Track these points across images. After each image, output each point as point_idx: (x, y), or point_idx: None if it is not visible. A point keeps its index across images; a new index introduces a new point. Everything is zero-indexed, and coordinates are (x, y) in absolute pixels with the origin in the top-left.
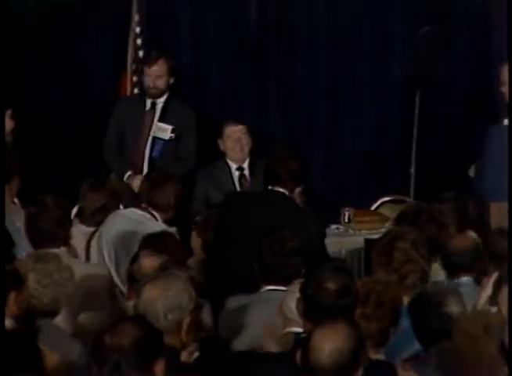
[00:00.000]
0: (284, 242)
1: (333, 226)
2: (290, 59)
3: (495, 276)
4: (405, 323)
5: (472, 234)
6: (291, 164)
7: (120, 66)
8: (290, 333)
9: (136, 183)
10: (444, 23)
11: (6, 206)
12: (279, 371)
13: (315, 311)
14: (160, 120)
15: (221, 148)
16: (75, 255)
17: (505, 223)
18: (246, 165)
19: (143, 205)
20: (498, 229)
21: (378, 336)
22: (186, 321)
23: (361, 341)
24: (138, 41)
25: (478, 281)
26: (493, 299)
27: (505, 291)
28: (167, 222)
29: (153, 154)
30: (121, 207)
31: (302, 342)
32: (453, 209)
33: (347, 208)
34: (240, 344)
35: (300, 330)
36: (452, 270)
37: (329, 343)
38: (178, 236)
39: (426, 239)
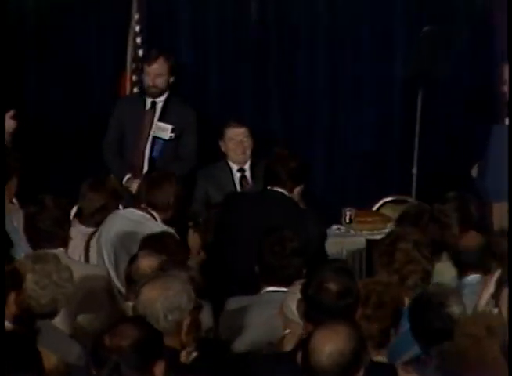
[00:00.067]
0: (285, 242)
1: (335, 227)
2: (291, 59)
3: (497, 274)
4: (406, 324)
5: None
6: (291, 163)
7: (121, 66)
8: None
9: (135, 187)
10: (445, 23)
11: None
12: (280, 372)
13: (316, 312)
14: (160, 119)
15: (223, 150)
16: (74, 256)
17: (506, 223)
18: (247, 167)
19: (142, 205)
20: (500, 230)
21: (379, 337)
22: (186, 322)
23: (362, 342)
24: (138, 40)
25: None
26: (495, 297)
27: (505, 292)
28: (166, 222)
29: (153, 154)
30: (121, 207)
31: (303, 343)
32: (456, 209)
33: (348, 209)
34: (241, 345)
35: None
36: (462, 268)
37: (330, 344)
38: (178, 237)
39: (429, 239)
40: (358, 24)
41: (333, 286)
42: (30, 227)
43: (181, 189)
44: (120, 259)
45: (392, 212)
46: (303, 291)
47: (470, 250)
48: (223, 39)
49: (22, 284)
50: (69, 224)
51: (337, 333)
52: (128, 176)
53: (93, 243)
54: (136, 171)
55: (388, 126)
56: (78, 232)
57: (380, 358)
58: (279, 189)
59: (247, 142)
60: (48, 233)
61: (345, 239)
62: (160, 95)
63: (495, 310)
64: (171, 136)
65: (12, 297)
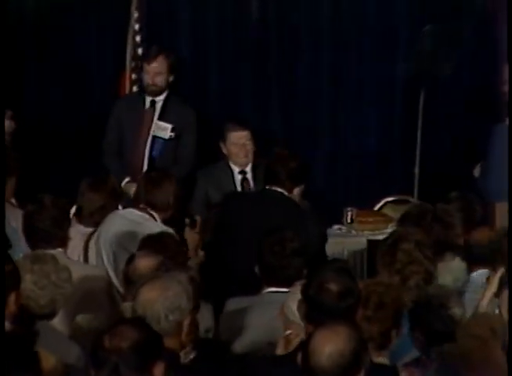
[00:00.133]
0: (285, 242)
1: (336, 227)
2: (291, 59)
3: (500, 272)
4: (407, 325)
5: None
6: (291, 163)
7: (121, 66)
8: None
9: (133, 191)
10: (447, 23)
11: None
12: (280, 373)
13: (316, 312)
14: (160, 118)
15: (224, 152)
16: (73, 256)
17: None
18: (248, 169)
19: (141, 205)
20: (503, 229)
21: (380, 338)
22: (186, 322)
23: (362, 343)
24: (137, 39)
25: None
26: (498, 296)
27: (505, 294)
28: (165, 222)
29: (153, 153)
30: (120, 207)
31: (303, 344)
32: (459, 209)
33: (349, 208)
34: (241, 346)
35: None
36: (471, 263)
37: (330, 345)
38: (177, 237)
39: (432, 240)
40: (360, 24)
41: (333, 286)
42: (29, 227)
43: (180, 189)
44: (120, 259)
45: (393, 212)
46: (303, 292)
47: (481, 244)
48: (223, 39)
49: (20, 285)
50: (68, 224)
51: (337, 334)
52: (126, 180)
53: (92, 243)
54: (136, 173)
55: (390, 126)
56: (77, 232)
57: (382, 360)
58: (279, 189)
59: (250, 145)
60: (47, 233)
61: (346, 239)
62: (159, 93)
63: (496, 311)
64: (170, 135)
65: (12, 297)
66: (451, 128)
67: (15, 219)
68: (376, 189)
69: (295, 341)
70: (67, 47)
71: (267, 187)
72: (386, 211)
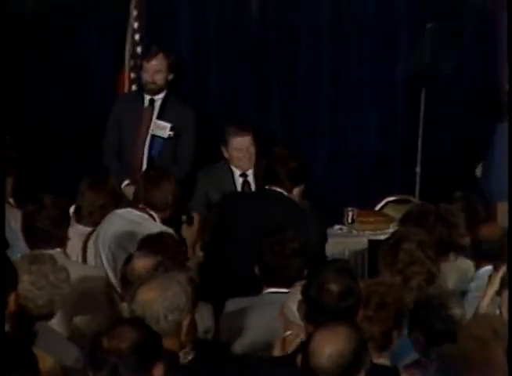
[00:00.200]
0: (285, 243)
1: (337, 227)
2: (291, 59)
3: (502, 270)
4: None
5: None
6: (291, 164)
7: (120, 65)
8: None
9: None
10: (448, 22)
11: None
12: (280, 374)
13: (317, 313)
14: (159, 117)
15: (226, 156)
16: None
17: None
18: (250, 172)
19: (141, 205)
20: (503, 229)
21: (381, 339)
22: (186, 322)
23: (362, 344)
24: (136, 37)
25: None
26: (499, 294)
27: (505, 294)
28: (164, 221)
29: (152, 152)
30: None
31: (303, 345)
32: (463, 209)
33: (350, 208)
34: (241, 346)
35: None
36: (479, 259)
37: (330, 346)
38: (177, 237)
39: (435, 240)
40: (360, 24)
41: (334, 287)
42: (28, 226)
43: (179, 189)
44: (119, 260)
45: (394, 212)
46: (304, 292)
47: (491, 239)
48: (223, 39)
49: (17, 285)
50: (67, 224)
51: (337, 334)
52: (126, 182)
53: (90, 244)
54: (135, 173)
55: (391, 125)
56: (76, 232)
57: (383, 361)
58: (278, 189)
59: (252, 149)
60: (46, 233)
61: (347, 239)
62: (158, 92)
63: (497, 311)
64: (169, 135)
65: (12, 297)
66: (452, 128)
67: (13, 219)
68: (377, 189)
69: (293, 343)
70: (67, 47)
71: (266, 187)
72: (387, 210)
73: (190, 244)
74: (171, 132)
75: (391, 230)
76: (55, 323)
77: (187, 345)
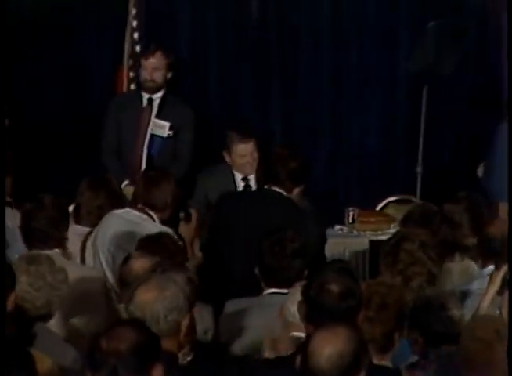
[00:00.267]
0: (286, 243)
1: (337, 227)
2: (291, 59)
3: (503, 270)
4: None
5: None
6: (291, 164)
7: (118, 64)
8: (291, 337)
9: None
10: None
11: None
12: (279, 375)
13: (317, 314)
14: (158, 116)
15: (228, 161)
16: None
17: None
18: (252, 176)
19: (139, 206)
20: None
21: (382, 340)
22: (185, 322)
23: (362, 345)
24: (135, 36)
25: None
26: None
27: (506, 295)
28: (163, 222)
29: (151, 152)
30: None
31: (302, 346)
32: (467, 209)
33: (351, 208)
34: (241, 347)
35: (300, 334)
36: (487, 257)
37: (329, 346)
38: (176, 237)
39: (438, 240)
40: (360, 24)
41: (334, 287)
42: (27, 226)
43: (178, 189)
44: (118, 261)
45: (395, 212)
46: (304, 293)
47: (500, 237)
48: (223, 39)
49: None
50: (66, 225)
51: (336, 335)
52: (125, 182)
53: (89, 244)
54: (134, 172)
55: (392, 125)
56: (74, 232)
57: (384, 362)
58: (277, 189)
59: (255, 155)
60: (44, 233)
61: (348, 239)
62: (156, 90)
63: (497, 311)
64: (168, 134)
65: (12, 297)
66: (454, 126)
67: (10, 220)
68: (378, 189)
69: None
70: (67, 47)
71: (266, 187)
72: (388, 211)
73: (188, 241)
74: (170, 131)
75: (392, 230)
76: (53, 324)
77: (186, 345)
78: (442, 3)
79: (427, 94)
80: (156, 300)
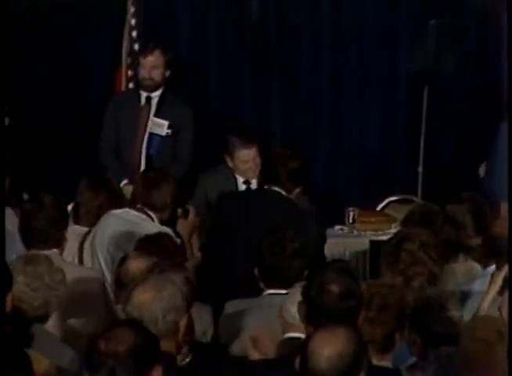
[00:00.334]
0: (286, 243)
1: (338, 227)
2: (291, 59)
3: (504, 269)
4: None
5: None
6: (291, 164)
7: (117, 63)
8: (290, 338)
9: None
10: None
11: None
12: None
13: (317, 314)
14: (156, 115)
15: (230, 165)
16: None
17: None
18: (254, 180)
19: (138, 206)
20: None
21: (383, 341)
22: (183, 322)
23: (362, 346)
24: (134, 34)
25: None
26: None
27: (506, 295)
28: (162, 222)
29: (150, 151)
30: None
31: (301, 347)
32: (470, 210)
33: (351, 208)
34: (240, 348)
35: (299, 335)
36: (490, 256)
37: (329, 347)
38: (175, 237)
39: (441, 241)
40: (360, 24)
41: (335, 288)
42: (26, 226)
43: (178, 189)
44: (117, 261)
45: (396, 212)
46: (304, 293)
47: (505, 236)
48: (223, 39)
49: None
50: (65, 225)
51: (336, 336)
52: (124, 182)
53: (87, 244)
54: (133, 172)
55: (392, 124)
56: (72, 232)
57: (385, 364)
58: (277, 189)
59: (258, 160)
60: (43, 233)
61: (348, 239)
62: (155, 89)
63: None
64: (167, 133)
65: (10, 297)
66: (454, 126)
67: (8, 220)
68: (378, 189)
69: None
70: (67, 46)
71: (265, 187)
72: (389, 211)
73: (186, 238)
74: (168, 130)
75: (393, 230)
76: (51, 324)
77: (184, 346)
78: (442, 3)
79: (427, 94)
80: (154, 300)
